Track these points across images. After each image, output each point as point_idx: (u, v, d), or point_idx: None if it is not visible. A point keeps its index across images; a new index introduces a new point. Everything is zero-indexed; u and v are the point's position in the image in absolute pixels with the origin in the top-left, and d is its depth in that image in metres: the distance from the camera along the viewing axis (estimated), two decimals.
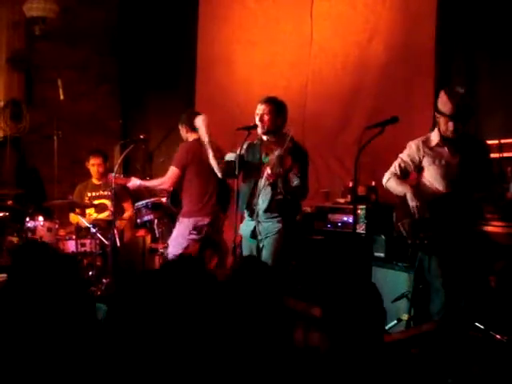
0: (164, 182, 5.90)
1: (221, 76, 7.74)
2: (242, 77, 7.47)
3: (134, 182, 6.04)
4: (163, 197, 6.35)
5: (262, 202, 4.89)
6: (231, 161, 5.06)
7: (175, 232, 5.84)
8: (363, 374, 2.21)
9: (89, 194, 6.99)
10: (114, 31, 9.02)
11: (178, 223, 5.85)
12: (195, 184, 5.76)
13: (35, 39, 8.15)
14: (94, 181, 7.03)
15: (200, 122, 5.66)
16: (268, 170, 4.74)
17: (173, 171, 5.78)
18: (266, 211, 4.87)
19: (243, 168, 4.97)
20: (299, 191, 4.90)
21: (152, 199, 6.39)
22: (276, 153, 4.77)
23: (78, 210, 6.85)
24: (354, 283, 2.47)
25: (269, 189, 4.82)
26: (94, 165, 6.89)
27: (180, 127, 6.04)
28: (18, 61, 8.11)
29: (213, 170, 5.61)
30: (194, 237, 5.68)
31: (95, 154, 6.98)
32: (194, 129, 5.93)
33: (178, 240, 5.74)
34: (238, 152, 4.93)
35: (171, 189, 5.99)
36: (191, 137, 5.92)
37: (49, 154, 7.86)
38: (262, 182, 4.88)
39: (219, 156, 5.41)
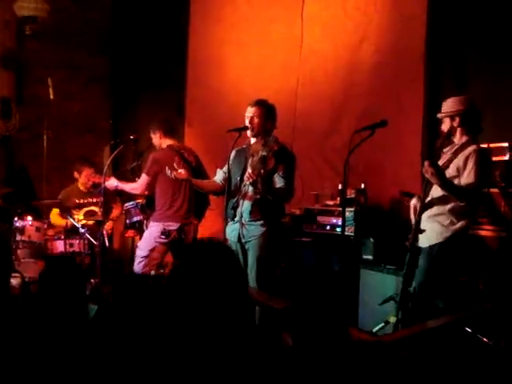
0: (136, 188, 6.10)
1: (212, 77, 7.74)
2: (233, 78, 7.47)
3: (112, 183, 6.11)
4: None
5: (246, 203, 4.88)
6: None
7: (144, 235, 5.96)
8: (328, 372, 2.21)
9: (76, 201, 6.99)
10: (105, 31, 9.00)
11: (148, 227, 5.95)
12: (166, 191, 5.88)
13: (26, 38, 8.12)
14: (80, 187, 7.04)
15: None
16: (249, 170, 4.74)
17: (144, 179, 5.98)
18: (250, 213, 4.86)
19: (230, 175, 4.99)
20: (283, 193, 4.89)
21: (141, 200, 6.39)
22: (260, 153, 4.78)
23: (73, 211, 6.85)
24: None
25: (251, 189, 4.81)
26: (87, 175, 6.89)
27: (152, 135, 6.10)
28: (9, 60, 8.08)
29: None
30: (161, 241, 5.81)
31: (90, 165, 7.02)
32: (167, 134, 6.00)
33: (146, 243, 5.88)
34: (226, 168, 4.97)
35: (144, 194, 6.09)
36: (165, 143, 6.01)
37: (38, 153, 7.85)
38: (246, 183, 4.86)
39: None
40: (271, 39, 7.12)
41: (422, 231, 4.46)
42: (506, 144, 4.84)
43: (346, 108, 6.44)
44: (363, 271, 5.37)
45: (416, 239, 4.51)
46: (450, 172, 4.35)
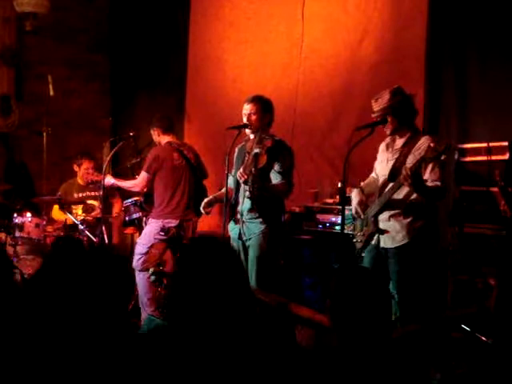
0: (135, 185, 6.06)
1: (212, 75, 7.74)
2: (233, 76, 7.47)
3: (108, 180, 6.09)
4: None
5: (245, 201, 4.88)
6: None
7: (144, 232, 5.95)
8: (371, 370, 2.21)
9: (75, 196, 6.99)
10: (105, 29, 9.01)
11: (147, 224, 5.94)
12: (165, 187, 5.86)
13: (26, 35, 8.11)
14: (80, 181, 7.04)
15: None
16: (241, 169, 4.74)
17: (143, 176, 5.94)
18: (249, 211, 4.86)
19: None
20: (279, 189, 4.88)
21: (139, 198, 6.39)
22: (253, 151, 4.76)
23: (66, 207, 6.84)
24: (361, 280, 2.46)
25: (246, 188, 4.81)
26: (87, 168, 6.88)
27: (152, 132, 6.10)
28: (9, 56, 8.07)
29: (185, 172, 5.81)
30: (161, 237, 5.78)
31: (90, 159, 7.01)
32: (166, 131, 6.00)
33: (145, 240, 5.86)
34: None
35: (143, 191, 6.07)
36: (164, 139, 6.00)
37: (38, 150, 7.86)
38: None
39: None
40: (271, 37, 7.11)
41: (382, 231, 4.37)
42: (505, 143, 4.83)
43: (346, 106, 6.43)
44: None
45: (371, 238, 4.45)
46: None
